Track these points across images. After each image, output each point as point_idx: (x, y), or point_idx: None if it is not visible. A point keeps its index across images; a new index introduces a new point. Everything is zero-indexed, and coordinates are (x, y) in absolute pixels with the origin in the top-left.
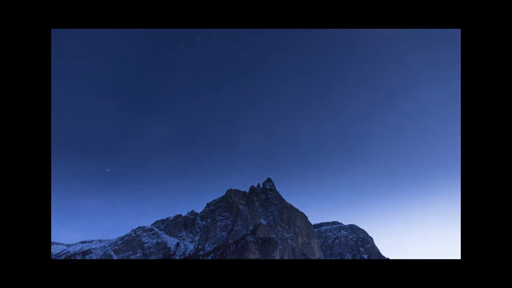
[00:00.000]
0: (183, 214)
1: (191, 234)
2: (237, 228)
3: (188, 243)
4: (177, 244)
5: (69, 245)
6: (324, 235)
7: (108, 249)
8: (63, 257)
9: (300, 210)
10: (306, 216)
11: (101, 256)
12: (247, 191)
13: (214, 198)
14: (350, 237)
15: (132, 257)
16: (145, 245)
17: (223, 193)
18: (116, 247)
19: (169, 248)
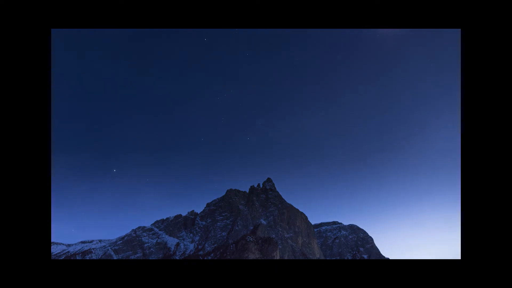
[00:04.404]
0: (183, 214)
1: (191, 234)
2: (237, 228)
3: (188, 243)
4: (177, 244)
5: (69, 245)
6: (324, 235)
7: (108, 249)
8: (63, 257)
9: (300, 210)
10: (306, 216)
11: (101, 256)
12: (247, 191)
13: (214, 198)
14: (350, 237)
15: (132, 257)
16: (145, 245)
17: (223, 193)
18: (116, 247)
19: (169, 248)
